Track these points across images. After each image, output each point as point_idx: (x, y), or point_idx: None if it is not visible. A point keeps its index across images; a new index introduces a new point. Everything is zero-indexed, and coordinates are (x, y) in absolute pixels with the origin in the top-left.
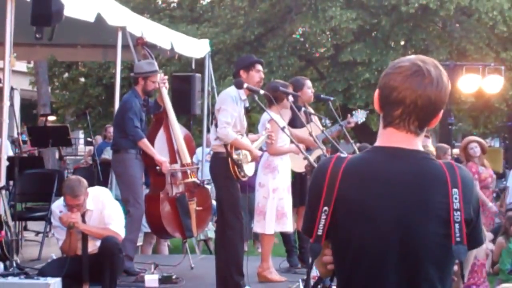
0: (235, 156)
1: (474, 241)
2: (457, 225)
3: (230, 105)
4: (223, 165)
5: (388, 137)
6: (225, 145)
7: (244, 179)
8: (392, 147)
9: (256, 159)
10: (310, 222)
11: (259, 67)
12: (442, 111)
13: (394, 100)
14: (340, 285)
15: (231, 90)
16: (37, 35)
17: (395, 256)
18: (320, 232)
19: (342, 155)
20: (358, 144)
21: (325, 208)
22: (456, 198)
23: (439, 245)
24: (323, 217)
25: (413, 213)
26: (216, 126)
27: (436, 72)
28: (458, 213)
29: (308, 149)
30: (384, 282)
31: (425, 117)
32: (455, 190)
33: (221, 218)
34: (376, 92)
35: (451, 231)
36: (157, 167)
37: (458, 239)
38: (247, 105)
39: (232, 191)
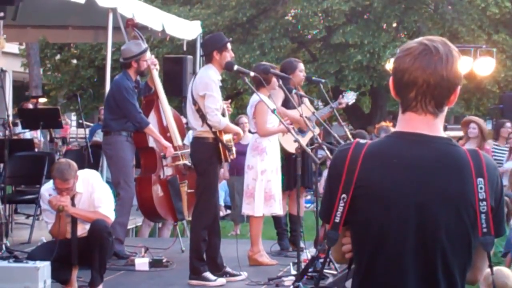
0: (225, 139)
1: (495, 230)
2: (483, 216)
3: (215, 90)
4: (208, 150)
5: (408, 122)
6: (214, 131)
7: (229, 161)
8: (413, 132)
9: (239, 140)
10: (328, 208)
11: (229, 46)
12: (459, 87)
13: (406, 82)
14: (359, 272)
15: (212, 73)
16: (0, 14)
17: (413, 242)
18: (337, 219)
19: (362, 141)
20: (350, 127)
21: (344, 195)
22: (481, 188)
23: (458, 233)
24: (341, 204)
25: (432, 200)
26: (198, 111)
27: (445, 49)
28: (484, 203)
29: (302, 132)
30: (404, 268)
31: (441, 95)
32: (480, 179)
33: (201, 202)
34: (390, 79)
35: (476, 221)
36: (162, 153)
37: (485, 230)
38: (220, 84)
39: (213, 178)
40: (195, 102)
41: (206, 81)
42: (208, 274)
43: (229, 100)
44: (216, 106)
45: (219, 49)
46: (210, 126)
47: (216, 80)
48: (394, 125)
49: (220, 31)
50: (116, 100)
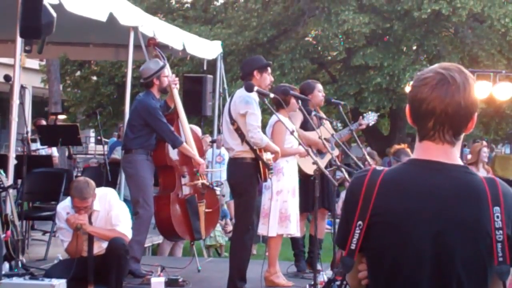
0: (265, 158)
1: (511, 260)
2: (499, 245)
3: (256, 108)
4: (248, 170)
5: (425, 151)
6: (254, 149)
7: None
8: (430, 160)
9: (277, 159)
10: (344, 235)
11: (269, 69)
12: (475, 115)
13: (424, 112)
14: None
15: (251, 93)
16: (26, 48)
17: (429, 270)
18: (353, 246)
19: (378, 168)
20: (369, 148)
21: (360, 222)
22: (497, 217)
23: (474, 262)
24: (357, 231)
25: (448, 229)
26: (236, 131)
27: (461, 77)
28: (500, 232)
29: (321, 153)
30: None
31: (459, 124)
32: (496, 208)
33: (241, 223)
34: (407, 107)
35: (492, 250)
36: (195, 169)
37: (500, 259)
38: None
39: (253, 197)
40: (233, 122)
41: (247, 99)
42: None
43: None
44: (258, 123)
45: (260, 69)
46: (249, 145)
47: (256, 99)
48: (411, 148)
49: (241, 51)
50: (144, 120)
